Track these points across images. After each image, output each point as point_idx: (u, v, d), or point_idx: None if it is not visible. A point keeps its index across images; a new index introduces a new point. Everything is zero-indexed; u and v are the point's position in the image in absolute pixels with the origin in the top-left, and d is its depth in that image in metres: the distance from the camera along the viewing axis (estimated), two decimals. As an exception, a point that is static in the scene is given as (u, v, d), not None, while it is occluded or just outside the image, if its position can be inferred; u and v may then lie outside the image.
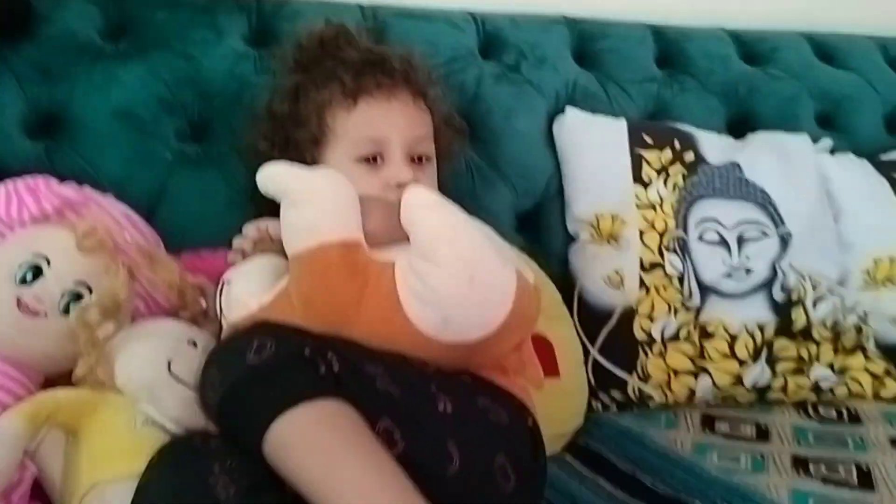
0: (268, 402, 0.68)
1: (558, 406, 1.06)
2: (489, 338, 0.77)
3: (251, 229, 0.91)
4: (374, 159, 0.92)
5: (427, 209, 0.78)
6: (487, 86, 1.28)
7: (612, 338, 1.17)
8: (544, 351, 1.08)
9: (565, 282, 1.22)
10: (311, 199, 0.78)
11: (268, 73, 1.10)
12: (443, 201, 0.79)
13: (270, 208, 0.82)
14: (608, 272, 1.20)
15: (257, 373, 0.70)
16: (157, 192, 1.09)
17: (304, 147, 0.94)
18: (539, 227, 1.29)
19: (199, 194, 1.10)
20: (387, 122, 0.94)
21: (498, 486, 0.74)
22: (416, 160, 0.95)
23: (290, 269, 0.79)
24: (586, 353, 1.17)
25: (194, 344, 0.87)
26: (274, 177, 0.79)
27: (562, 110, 1.30)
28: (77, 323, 0.82)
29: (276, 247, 0.87)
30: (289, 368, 0.71)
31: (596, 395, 1.16)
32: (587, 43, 1.38)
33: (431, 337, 0.76)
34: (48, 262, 0.85)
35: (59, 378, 0.84)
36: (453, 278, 0.74)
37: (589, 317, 1.19)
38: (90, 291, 0.85)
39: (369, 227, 0.80)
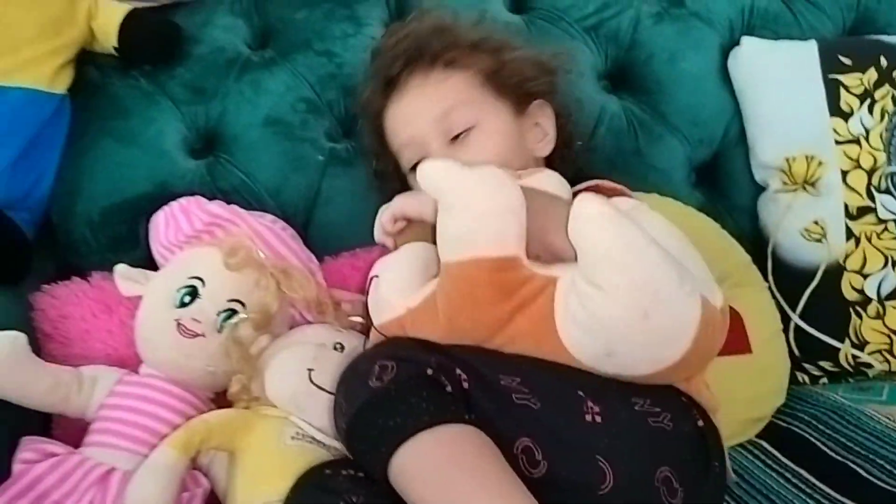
0: (388, 432, 0.66)
1: (751, 387, 0.95)
2: (659, 373, 0.68)
3: (386, 219, 0.86)
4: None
5: (597, 223, 0.67)
6: (645, 28, 1.17)
7: (817, 300, 1.04)
8: (733, 325, 0.94)
9: (755, 240, 1.09)
10: (468, 207, 0.70)
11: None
12: (617, 215, 0.67)
13: None
14: (807, 224, 1.06)
15: (379, 399, 0.68)
16: (313, 194, 1.10)
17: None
18: (720, 180, 1.17)
19: (353, 192, 1.10)
20: (404, 121, 0.92)
21: (662, 501, 0.66)
22: (456, 138, 0.89)
23: (439, 276, 0.74)
24: (786, 320, 1.03)
25: (341, 347, 0.87)
26: (433, 174, 0.72)
27: (737, 42, 1.15)
28: (229, 341, 0.84)
29: (417, 230, 0.83)
30: (410, 392, 0.67)
31: (800, 367, 1.03)
32: (764, -45, 1.21)
33: (588, 367, 0.69)
34: (203, 283, 0.88)
35: (226, 396, 0.88)
36: (623, 309, 0.64)
37: (786, 278, 1.06)
38: (244, 306, 0.88)
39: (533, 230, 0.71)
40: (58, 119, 1.01)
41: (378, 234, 0.89)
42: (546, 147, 0.95)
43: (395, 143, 0.95)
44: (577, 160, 0.99)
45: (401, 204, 0.84)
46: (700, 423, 0.72)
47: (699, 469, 0.70)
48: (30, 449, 0.80)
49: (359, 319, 0.90)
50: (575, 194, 0.73)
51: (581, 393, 0.68)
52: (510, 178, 0.72)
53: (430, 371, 0.68)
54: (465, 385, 0.67)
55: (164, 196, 1.00)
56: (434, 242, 0.78)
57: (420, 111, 0.92)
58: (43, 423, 0.89)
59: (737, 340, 0.95)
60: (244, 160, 1.09)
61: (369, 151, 1.02)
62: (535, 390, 0.68)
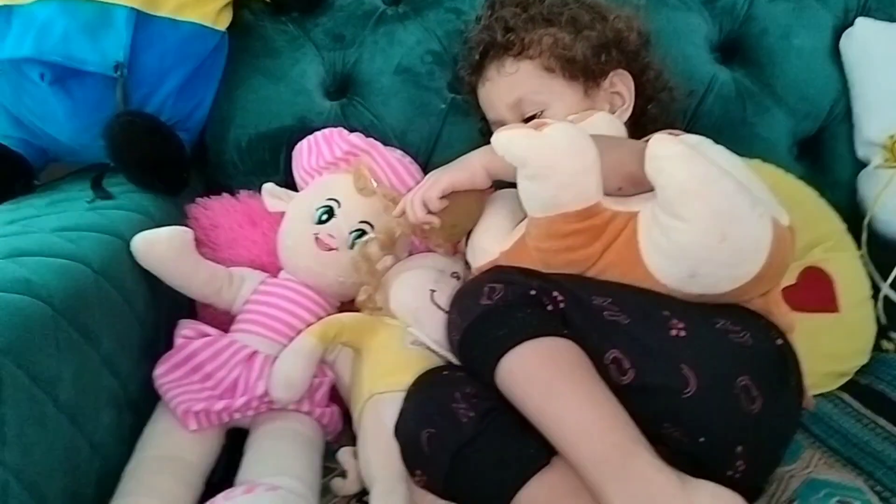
0: (497, 341, 0.75)
1: (837, 343, 0.99)
2: (739, 288, 0.74)
3: (435, 194, 0.88)
4: None
5: (673, 160, 0.72)
6: (761, 5, 1.20)
7: (909, 272, 1.06)
8: (823, 284, 1.02)
9: (853, 212, 1.12)
10: (548, 175, 0.76)
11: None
12: (690, 151, 0.73)
13: None
14: (905, 199, 1.08)
15: (489, 314, 0.77)
16: (434, 139, 1.18)
17: None
18: (822, 154, 1.20)
19: (470, 139, 1.17)
20: (487, 105, 1.03)
21: (741, 406, 0.72)
22: (531, 118, 0.96)
23: (527, 226, 0.81)
24: (876, 290, 1.07)
25: (458, 276, 0.96)
26: (509, 145, 0.77)
27: (851, 23, 1.18)
28: (359, 256, 0.95)
29: (462, 202, 0.89)
30: (516, 309, 0.76)
31: (886, 335, 1.06)
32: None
33: (675, 289, 0.75)
34: (339, 204, 0.98)
35: (350, 304, 0.98)
36: (703, 235, 0.71)
37: (881, 249, 1.09)
38: (372, 228, 0.98)
39: (607, 170, 0.77)
40: (217, 53, 1.13)
41: (420, 214, 0.89)
42: (624, 114, 1.01)
43: (488, 118, 1.05)
44: (672, 110, 1.05)
45: (449, 178, 0.89)
46: (779, 341, 0.77)
47: (778, 382, 0.75)
48: (189, 328, 0.92)
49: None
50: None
51: (667, 312, 0.75)
52: (582, 135, 0.77)
53: (532, 292, 0.77)
54: (562, 305, 0.76)
55: (303, 129, 1.11)
56: (479, 207, 0.88)
57: (496, 100, 1.03)
58: (191, 314, 1.02)
59: (826, 299, 1.00)
60: (374, 103, 1.18)
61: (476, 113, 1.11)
62: (625, 308, 0.75)
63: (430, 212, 0.89)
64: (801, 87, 1.18)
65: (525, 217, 0.83)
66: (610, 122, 0.92)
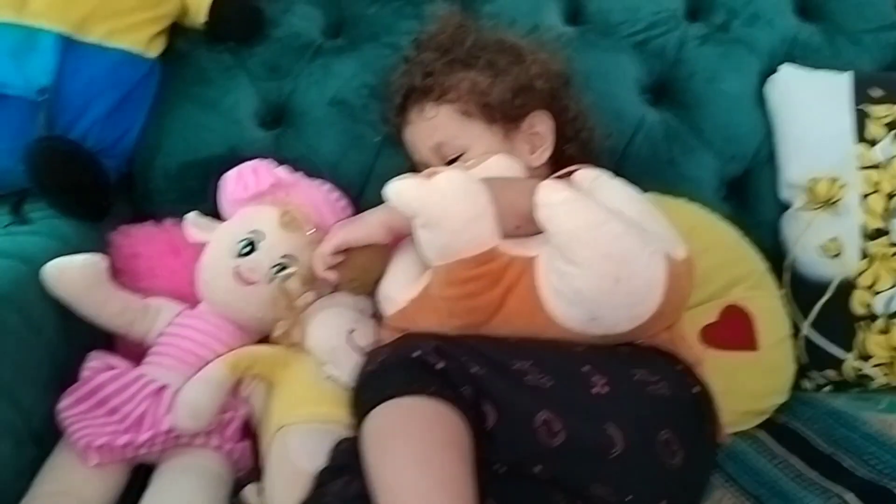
0: (364, 403, 0.75)
1: (755, 381, 1.00)
2: (640, 327, 0.75)
3: (329, 250, 0.90)
4: None
5: (559, 208, 0.74)
6: (690, 49, 1.23)
7: (828, 312, 1.08)
8: (743, 322, 1.03)
9: (776, 253, 1.14)
10: (440, 223, 0.76)
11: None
12: (574, 197, 0.74)
13: None
14: (824, 241, 1.10)
15: (367, 378, 0.78)
16: (367, 172, 1.18)
17: None
18: (747, 196, 1.21)
19: (404, 172, 1.16)
20: (411, 147, 1.05)
21: (664, 462, 0.72)
22: (453, 160, 0.98)
23: (430, 274, 0.81)
24: (797, 328, 1.08)
25: (378, 317, 0.95)
26: (400, 195, 0.78)
27: (776, 69, 1.20)
28: (278, 291, 0.94)
29: (361, 257, 0.89)
30: (390, 371, 0.76)
31: (806, 374, 1.08)
32: (812, -8, 1.27)
33: (578, 332, 0.76)
34: (262, 237, 0.97)
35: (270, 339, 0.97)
36: (597, 279, 0.72)
37: (802, 289, 1.10)
38: (296, 262, 0.97)
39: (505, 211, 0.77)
40: (148, 80, 1.12)
41: (319, 269, 0.91)
42: (544, 154, 1.01)
43: (413, 160, 1.06)
44: (591, 149, 1.05)
45: (343, 235, 0.89)
46: (695, 389, 0.78)
47: (695, 431, 0.77)
48: (96, 359, 0.91)
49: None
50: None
51: (586, 368, 0.75)
52: (472, 182, 0.77)
53: (415, 354, 0.75)
54: (474, 369, 0.74)
55: (234, 159, 1.09)
56: (382, 258, 0.88)
57: (419, 142, 1.04)
58: (108, 344, 0.99)
59: (746, 337, 1.01)
60: (308, 134, 1.18)
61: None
62: (546, 370, 0.74)
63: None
64: (727, 129, 1.20)
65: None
66: (507, 164, 0.93)
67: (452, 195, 0.76)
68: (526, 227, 0.78)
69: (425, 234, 0.78)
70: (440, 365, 0.74)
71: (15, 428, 0.79)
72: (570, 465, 0.72)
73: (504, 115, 1.00)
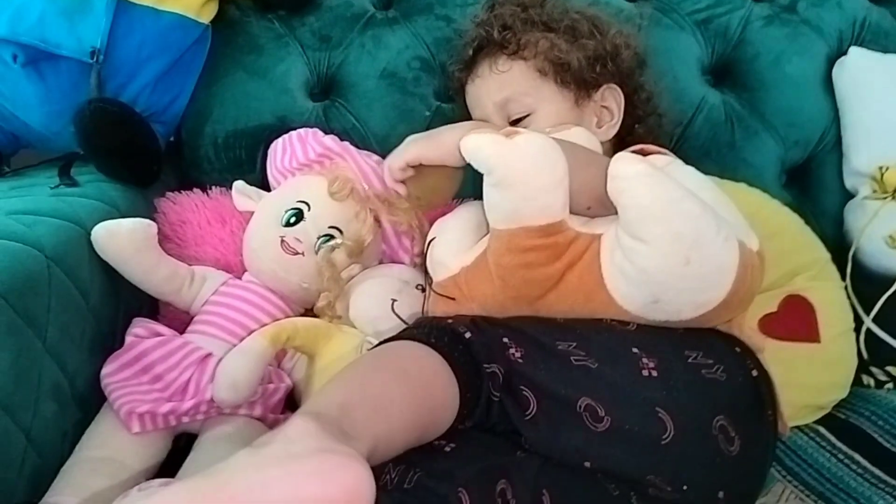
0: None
1: (816, 375, 0.96)
2: (703, 316, 0.71)
3: (397, 165, 0.88)
4: None
5: (634, 180, 0.70)
6: (755, 29, 1.19)
7: (892, 306, 1.03)
8: (804, 313, 0.99)
9: (839, 243, 1.10)
10: (513, 185, 0.72)
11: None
12: (652, 171, 0.71)
13: None
14: (891, 232, 1.05)
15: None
16: (416, 146, 1.16)
17: None
18: (810, 183, 1.17)
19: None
20: (474, 102, 1.00)
21: (720, 450, 0.69)
22: (517, 121, 0.94)
23: (489, 240, 0.78)
24: (858, 322, 1.04)
25: (422, 288, 0.93)
26: (477, 150, 0.74)
27: (845, 52, 1.16)
28: (323, 262, 0.92)
29: (430, 175, 0.87)
30: (415, 328, 0.75)
31: (867, 370, 1.03)
32: (886, -28, 1.21)
33: (637, 316, 0.72)
34: (308, 207, 0.96)
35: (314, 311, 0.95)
36: (666, 259, 0.68)
37: (864, 282, 1.06)
38: (341, 234, 0.95)
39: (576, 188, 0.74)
40: (199, 46, 1.11)
41: (389, 181, 0.91)
42: (610, 130, 0.98)
43: (473, 117, 1.02)
44: (658, 134, 1.02)
45: (416, 150, 0.87)
46: (754, 372, 0.74)
47: (754, 417, 0.73)
48: (141, 326, 0.89)
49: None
50: None
51: (636, 350, 0.71)
52: (554, 148, 0.74)
53: (449, 321, 0.74)
54: (514, 352, 0.71)
55: (282, 129, 1.08)
56: (449, 185, 0.85)
57: (484, 97, 0.99)
58: (151, 311, 0.99)
59: (807, 329, 0.97)
60: (358, 106, 1.16)
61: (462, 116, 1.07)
62: (591, 351, 0.71)
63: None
64: (791, 113, 1.16)
65: (489, 232, 0.80)
66: (588, 138, 0.89)
67: (532, 159, 0.72)
68: (596, 209, 0.75)
69: (495, 195, 0.74)
70: (468, 335, 0.71)
71: (60, 389, 0.78)
72: (618, 452, 0.68)
73: (578, 82, 0.96)
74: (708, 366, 0.72)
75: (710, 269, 0.69)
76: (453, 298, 0.83)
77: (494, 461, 0.68)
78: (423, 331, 0.72)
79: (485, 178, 0.75)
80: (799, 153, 1.17)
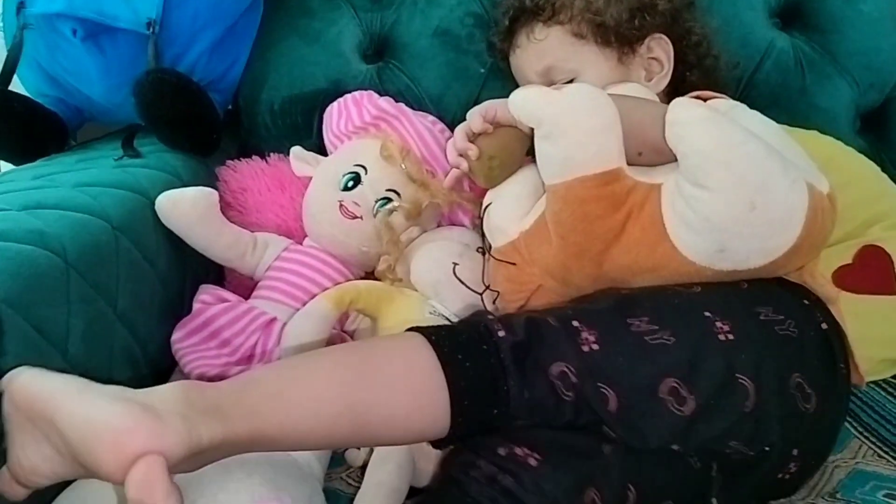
0: None
1: (892, 327, 0.92)
2: (773, 263, 0.69)
3: (476, 120, 0.84)
4: None
5: (694, 125, 0.67)
6: (825, -34, 1.12)
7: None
8: (881, 265, 0.95)
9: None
10: (566, 131, 0.71)
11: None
12: (712, 114, 0.68)
13: None
14: (974, 179, 1.00)
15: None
16: (471, 104, 1.11)
17: None
18: (887, 129, 1.12)
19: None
20: (517, 71, 1.00)
21: (798, 407, 0.67)
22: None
23: (546, 198, 0.76)
24: (939, 272, 0.99)
25: (483, 252, 0.92)
26: (526, 104, 0.74)
27: (925, -14, 1.09)
28: (382, 225, 0.92)
29: (503, 135, 0.83)
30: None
31: (949, 322, 0.98)
32: None
33: (703, 266, 0.70)
34: (365, 171, 0.95)
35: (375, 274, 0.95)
36: (730, 205, 0.65)
37: (947, 230, 1.00)
38: (399, 197, 0.94)
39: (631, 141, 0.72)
40: (252, 13, 1.11)
41: (460, 143, 0.86)
42: (661, 82, 0.95)
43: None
44: (716, 78, 0.98)
45: (496, 106, 0.83)
46: (824, 325, 0.72)
47: (827, 372, 0.71)
48: (208, 293, 0.91)
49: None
50: None
51: (708, 313, 0.68)
52: (601, 94, 0.72)
53: (490, 317, 0.72)
54: (586, 347, 0.66)
55: (337, 93, 1.08)
56: (520, 147, 0.82)
57: (526, 67, 0.98)
58: (217, 278, 1.01)
59: (884, 280, 0.92)
60: (411, 67, 1.15)
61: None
62: (665, 325, 0.67)
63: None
64: (866, 55, 1.11)
65: (545, 193, 0.78)
66: (641, 92, 0.86)
67: (580, 103, 0.71)
68: (649, 155, 0.73)
69: (547, 147, 0.73)
70: (501, 333, 0.67)
71: (133, 355, 0.81)
72: (704, 429, 0.66)
73: (619, 38, 0.93)
74: (779, 321, 0.69)
75: (777, 214, 0.66)
76: (514, 263, 0.82)
77: (581, 469, 0.65)
78: (436, 329, 0.69)
79: (535, 133, 0.74)
80: (875, 97, 1.12)
